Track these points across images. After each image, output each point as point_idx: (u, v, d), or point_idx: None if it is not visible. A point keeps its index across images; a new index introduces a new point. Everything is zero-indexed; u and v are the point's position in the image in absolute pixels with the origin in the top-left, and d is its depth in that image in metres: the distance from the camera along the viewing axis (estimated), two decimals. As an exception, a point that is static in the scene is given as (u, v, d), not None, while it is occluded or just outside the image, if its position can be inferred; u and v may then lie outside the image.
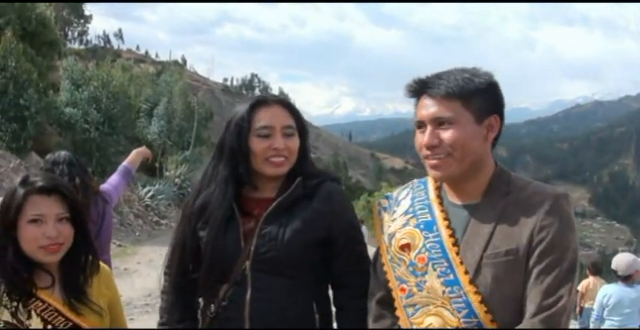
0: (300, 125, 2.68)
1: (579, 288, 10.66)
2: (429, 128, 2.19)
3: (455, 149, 2.16)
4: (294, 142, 2.63)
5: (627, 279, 7.31)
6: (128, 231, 21.12)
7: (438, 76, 2.22)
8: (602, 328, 7.44)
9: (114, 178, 5.24)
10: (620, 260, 7.38)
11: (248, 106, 2.63)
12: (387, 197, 2.55)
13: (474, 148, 2.18)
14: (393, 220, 2.41)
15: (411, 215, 2.35)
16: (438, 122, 2.18)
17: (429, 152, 2.20)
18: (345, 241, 2.63)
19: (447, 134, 2.16)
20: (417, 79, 2.27)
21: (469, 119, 2.17)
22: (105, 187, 5.05)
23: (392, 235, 2.36)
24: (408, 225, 2.33)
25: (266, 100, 2.65)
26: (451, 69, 2.25)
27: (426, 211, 2.32)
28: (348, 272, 2.64)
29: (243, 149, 2.61)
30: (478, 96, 2.18)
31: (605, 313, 7.35)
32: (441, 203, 2.32)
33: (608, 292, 7.41)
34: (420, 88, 2.25)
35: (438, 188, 2.37)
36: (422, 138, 2.22)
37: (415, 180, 2.53)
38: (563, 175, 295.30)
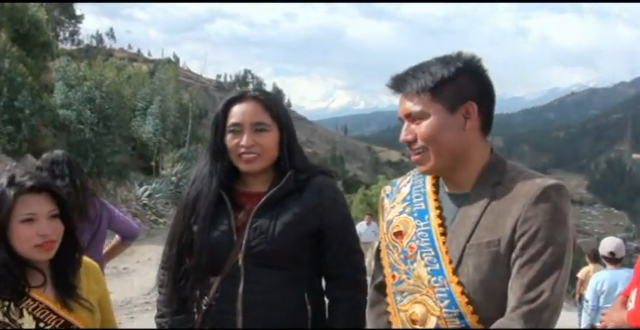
0: (280, 120, 2.68)
1: (579, 275, 10.71)
2: (405, 124, 2.19)
3: (428, 143, 2.14)
4: (266, 138, 2.63)
5: (619, 261, 7.26)
6: (126, 230, 21.09)
7: (411, 70, 2.20)
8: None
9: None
10: (614, 244, 7.34)
11: (224, 102, 2.70)
12: (391, 184, 2.54)
13: (449, 140, 2.14)
14: (392, 207, 2.40)
15: (407, 203, 2.34)
16: (411, 118, 2.17)
17: (409, 148, 2.21)
18: (336, 233, 2.66)
19: (419, 129, 2.14)
20: (393, 76, 2.25)
21: (439, 110, 2.13)
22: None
23: (390, 222, 2.35)
24: (403, 212, 2.32)
25: (243, 95, 2.68)
26: (428, 60, 2.22)
27: (421, 199, 2.30)
28: (338, 264, 2.67)
29: (219, 145, 2.67)
30: (447, 85, 2.13)
31: (602, 300, 7.10)
32: (435, 192, 2.29)
33: (600, 278, 7.23)
34: (395, 85, 2.24)
35: (436, 177, 2.34)
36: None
37: None
38: (560, 164, 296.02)
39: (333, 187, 2.74)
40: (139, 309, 9.94)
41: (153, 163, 30.98)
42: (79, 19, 78.71)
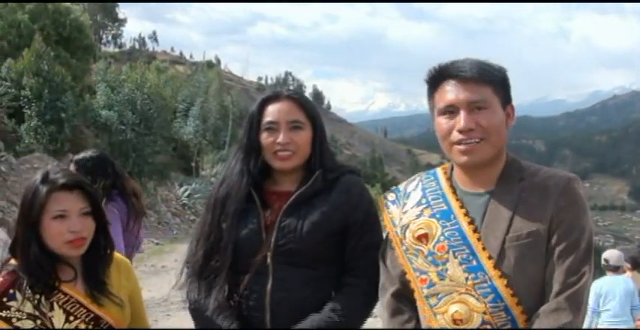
0: (313, 119, 2.74)
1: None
2: (463, 112, 2.19)
3: (490, 134, 2.19)
4: (301, 136, 2.68)
5: (617, 270, 7.78)
6: (166, 229, 21.38)
7: (462, 62, 2.24)
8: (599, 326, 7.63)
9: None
10: (609, 253, 7.99)
11: (259, 101, 2.75)
12: (393, 191, 2.57)
13: (503, 134, 2.24)
14: (404, 213, 2.42)
15: (424, 206, 2.37)
16: (473, 107, 2.19)
17: (462, 137, 2.19)
18: (359, 228, 2.67)
19: (483, 118, 2.18)
20: (439, 65, 2.29)
21: (498, 104, 2.22)
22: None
23: (405, 227, 2.37)
24: (422, 216, 2.34)
25: (277, 95, 2.73)
26: (465, 58, 2.26)
27: (440, 200, 2.34)
28: (357, 257, 2.67)
29: (253, 144, 2.71)
30: (501, 83, 2.24)
31: (601, 303, 7.57)
32: (454, 192, 2.34)
33: (600, 283, 7.68)
34: (442, 74, 2.26)
35: (449, 178, 2.39)
36: (447, 124, 2.23)
37: (422, 172, 2.55)
38: (602, 168, 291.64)
39: (360, 186, 2.77)
40: (175, 307, 10.06)
41: (193, 164, 31.26)
42: (122, 22, 79.81)
